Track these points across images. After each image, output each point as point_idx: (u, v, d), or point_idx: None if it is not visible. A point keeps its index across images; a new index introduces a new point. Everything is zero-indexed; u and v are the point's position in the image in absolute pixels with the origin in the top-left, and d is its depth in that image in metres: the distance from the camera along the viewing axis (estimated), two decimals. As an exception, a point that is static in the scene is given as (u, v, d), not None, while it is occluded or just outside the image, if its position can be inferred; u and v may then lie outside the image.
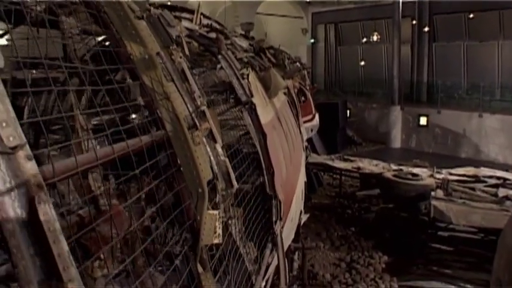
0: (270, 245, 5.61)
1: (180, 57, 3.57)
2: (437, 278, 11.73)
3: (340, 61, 36.09)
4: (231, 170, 3.56)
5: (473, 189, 13.76)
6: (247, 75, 5.94)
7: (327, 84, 35.98)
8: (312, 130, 16.24)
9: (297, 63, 20.30)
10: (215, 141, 3.51)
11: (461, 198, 12.80)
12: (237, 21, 33.41)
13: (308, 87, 19.15)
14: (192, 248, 2.87)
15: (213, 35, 7.84)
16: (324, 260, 13.01)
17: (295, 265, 9.26)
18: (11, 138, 1.26)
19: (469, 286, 11.31)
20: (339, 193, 18.07)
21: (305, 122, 14.52)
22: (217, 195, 3.41)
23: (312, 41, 36.77)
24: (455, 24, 27.79)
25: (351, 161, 17.56)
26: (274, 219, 5.72)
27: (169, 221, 2.95)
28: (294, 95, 11.53)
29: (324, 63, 36.71)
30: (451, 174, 15.26)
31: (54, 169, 1.62)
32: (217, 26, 8.89)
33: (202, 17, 8.22)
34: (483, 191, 13.66)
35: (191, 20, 7.79)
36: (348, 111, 29.98)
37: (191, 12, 8.18)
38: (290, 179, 7.12)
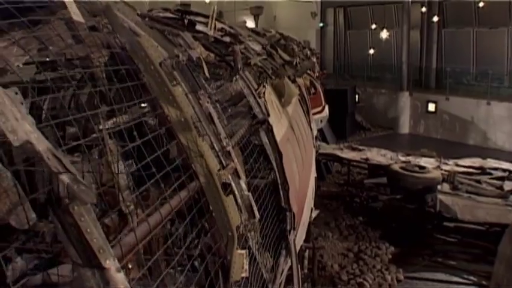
0: (284, 252, 6.00)
1: (207, 102, 3.93)
2: (442, 269, 12.14)
3: (349, 45, 36.13)
4: (253, 203, 3.94)
5: (479, 181, 14.07)
6: (263, 93, 6.26)
7: (336, 68, 36.05)
8: (321, 121, 16.54)
9: (306, 49, 20.50)
10: (239, 178, 3.90)
11: (467, 191, 13.12)
12: (247, 5, 33.38)
13: (318, 73, 19.39)
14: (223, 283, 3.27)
15: (227, 38, 8.18)
16: (333, 249, 13.44)
17: (305, 262, 9.66)
18: (107, 261, 1.65)
19: (472, 278, 11.72)
20: (347, 181, 18.42)
21: (315, 114, 14.84)
22: (241, 225, 3.81)
23: (321, 24, 36.70)
24: (465, 10, 27.64)
25: (360, 150, 17.88)
26: (288, 228, 6.11)
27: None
28: (304, 93, 11.83)
29: (333, 47, 36.71)
30: (457, 165, 15.56)
31: (122, 252, 2.03)
32: (231, 31, 9.18)
33: (216, 21, 8.52)
34: (489, 184, 13.96)
35: (206, 24, 8.11)
36: (357, 96, 30.20)
37: (206, 16, 8.49)
38: (302, 186, 7.49)
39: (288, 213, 5.99)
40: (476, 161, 15.99)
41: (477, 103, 25.36)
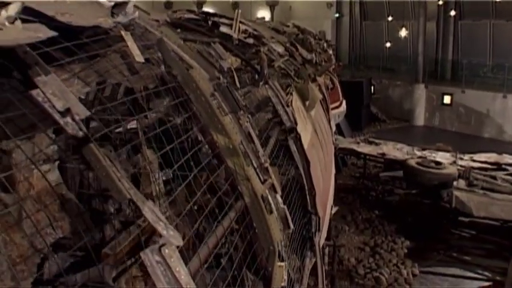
0: (309, 253, 6.31)
1: (247, 122, 4.22)
2: (456, 264, 12.39)
3: (365, 36, 36.12)
4: (288, 216, 4.26)
5: (494, 177, 14.23)
6: (291, 101, 6.54)
7: (351, 59, 36.10)
8: (338, 116, 16.73)
9: (322, 41, 20.62)
10: (276, 192, 4.21)
11: (482, 188, 13.31)
12: (263, -3, 33.53)
13: (334, 65, 19.50)
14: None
15: (250, 40, 8.45)
16: (349, 243, 13.74)
17: (326, 259, 9.96)
18: (188, 286, 1.96)
19: (486, 273, 11.95)
20: (363, 174, 18.66)
21: (332, 109, 15.02)
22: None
23: (337, 15, 36.74)
24: (482, 2, 27.50)
25: (376, 144, 18.10)
26: (313, 230, 6.41)
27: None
28: (324, 91, 12.04)
29: (349, 38, 36.76)
30: (473, 160, 15.74)
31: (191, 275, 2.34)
32: (255, 33, 9.42)
33: (240, 23, 8.77)
34: (504, 180, 14.13)
35: (229, 26, 8.38)
36: (372, 88, 30.28)
37: (230, 18, 8.74)
38: (325, 187, 7.78)
39: (314, 217, 6.29)
40: (491, 157, 16.15)
41: (493, 96, 25.40)
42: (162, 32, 4.54)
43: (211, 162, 3.53)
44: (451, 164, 14.79)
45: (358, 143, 18.19)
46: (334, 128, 13.43)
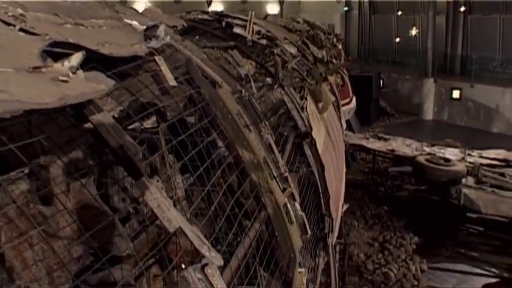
0: (322, 253, 6.55)
1: (268, 134, 4.44)
2: (464, 260, 12.59)
3: (374, 30, 36.08)
4: (306, 222, 4.49)
5: (503, 174, 14.38)
6: (306, 107, 6.74)
7: (360, 53, 36.09)
8: (348, 113, 16.86)
9: (332, 36, 20.67)
10: (295, 200, 4.44)
11: (491, 185, 13.46)
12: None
13: (343, 60, 19.57)
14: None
15: (263, 41, 8.66)
16: (358, 239, 13.96)
17: (337, 256, 10.16)
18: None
19: (494, 270, 12.14)
20: (372, 169, 18.82)
21: (343, 105, 15.14)
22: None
23: (346, 9, 36.75)
24: (492, -4, 27.51)
25: (385, 140, 18.25)
26: (326, 231, 6.64)
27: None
28: (335, 89, 12.21)
29: (358, 31, 36.74)
30: (482, 157, 15.86)
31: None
32: (268, 34, 9.60)
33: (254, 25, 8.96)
34: (512, 177, 14.30)
35: (242, 26, 8.58)
36: (381, 82, 30.33)
37: (243, 20, 8.95)
38: (338, 187, 7.99)
39: (327, 219, 6.52)
40: (500, 153, 16.25)
41: (502, 91, 25.43)
42: (187, 46, 4.76)
43: (236, 174, 3.77)
44: (459, 160, 14.93)
45: (368, 138, 18.36)
46: (344, 126, 13.58)
